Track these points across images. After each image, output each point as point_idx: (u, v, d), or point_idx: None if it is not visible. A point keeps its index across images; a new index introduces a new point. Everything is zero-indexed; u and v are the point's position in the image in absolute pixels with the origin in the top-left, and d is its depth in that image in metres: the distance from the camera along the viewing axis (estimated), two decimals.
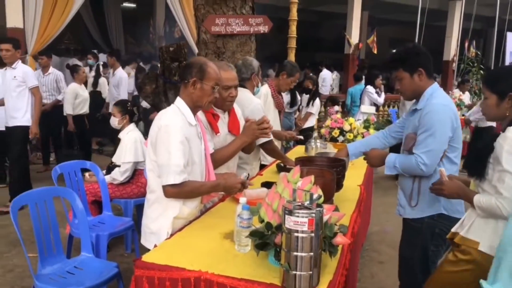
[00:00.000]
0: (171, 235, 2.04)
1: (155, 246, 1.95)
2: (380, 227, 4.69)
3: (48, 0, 7.21)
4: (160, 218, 2.16)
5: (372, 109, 7.02)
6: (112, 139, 6.55)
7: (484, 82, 2.07)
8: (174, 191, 2.08)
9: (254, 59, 3.39)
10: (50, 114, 6.32)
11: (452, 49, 12.70)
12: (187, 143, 2.10)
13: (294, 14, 7.07)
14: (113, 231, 3.14)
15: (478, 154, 1.96)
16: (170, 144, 2.04)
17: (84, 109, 6.54)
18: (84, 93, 6.59)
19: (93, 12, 13.14)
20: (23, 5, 7.08)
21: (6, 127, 4.98)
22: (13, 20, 7.11)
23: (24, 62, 7.03)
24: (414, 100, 2.48)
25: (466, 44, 12.32)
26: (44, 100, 6.24)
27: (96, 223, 3.31)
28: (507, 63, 10.15)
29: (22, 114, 4.86)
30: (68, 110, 6.35)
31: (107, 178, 3.64)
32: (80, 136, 6.64)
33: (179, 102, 2.19)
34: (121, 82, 6.99)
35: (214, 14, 4.01)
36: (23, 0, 7.06)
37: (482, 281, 1.61)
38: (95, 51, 9.22)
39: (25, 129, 4.89)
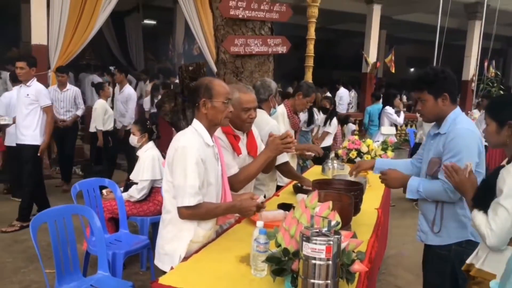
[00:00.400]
0: (186, 258, 2.03)
1: (172, 268, 1.95)
2: (397, 251, 4.61)
3: (72, 17, 7.40)
4: (174, 240, 2.16)
5: (393, 130, 6.96)
6: (128, 155, 6.63)
7: (486, 109, 2.09)
8: (188, 213, 2.09)
9: (272, 81, 3.42)
10: (66, 130, 6.42)
11: (471, 69, 12.60)
12: (204, 164, 2.10)
13: (312, 33, 7.12)
14: (129, 250, 3.16)
15: (489, 189, 1.93)
16: (186, 165, 2.05)
17: (111, 125, 6.63)
18: (109, 109, 6.70)
19: (114, 28, 13.45)
20: (47, 23, 7.28)
21: (17, 144, 4.97)
22: (38, 37, 7.32)
23: (46, 78, 7.25)
24: (433, 123, 2.46)
25: (486, 64, 12.21)
26: (61, 116, 6.34)
27: (113, 240, 3.33)
28: None
29: (31, 133, 4.85)
30: (99, 126, 6.41)
31: (124, 195, 3.67)
32: (106, 152, 6.69)
33: (196, 123, 2.22)
34: (130, 99, 6.91)
35: (233, 34, 4.07)
36: (48, 18, 7.27)
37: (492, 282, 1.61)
38: (112, 68, 9.36)
39: (35, 148, 4.85)
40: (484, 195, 1.92)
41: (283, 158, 3.04)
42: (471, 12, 12.48)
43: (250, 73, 4.18)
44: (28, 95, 4.81)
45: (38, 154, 4.89)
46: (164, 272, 2.06)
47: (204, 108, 2.17)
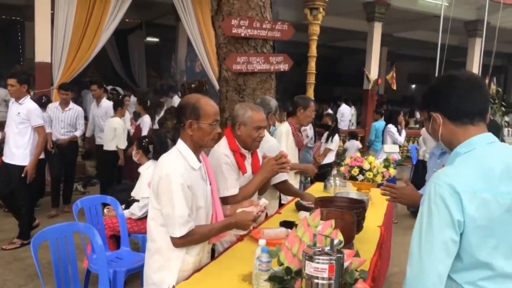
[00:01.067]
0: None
1: (173, 287, 1.94)
2: (400, 268, 4.56)
3: (76, 35, 7.49)
4: (162, 269, 2.08)
5: (396, 148, 6.94)
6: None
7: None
8: (182, 242, 2.02)
9: (272, 99, 3.44)
10: (65, 152, 6.02)
11: None
12: (191, 189, 2.01)
13: (313, 50, 7.19)
14: (131, 268, 3.14)
15: None
16: (173, 195, 1.96)
17: (126, 143, 6.46)
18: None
19: (117, 46, 13.60)
20: (51, 40, 7.36)
21: (5, 162, 4.74)
22: (42, 54, 7.39)
23: (50, 95, 7.29)
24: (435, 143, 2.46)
25: (487, 81, 12.25)
26: (61, 136, 6.03)
27: (114, 258, 3.31)
28: None
29: (21, 152, 4.67)
30: (121, 145, 6.20)
31: (126, 213, 3.66)
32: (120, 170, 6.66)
33: (180, 145, 2.09)
34: (108, 112, 6.69)
35: (235, 52, 4.10)
36: (51, 36, 7.35)
37: None
38: (110, 87, 9.37)
39: (22, 169, 4.66)
40: None
41: (281, 176, 3.03)
42: (471, 30, 12.59)
43: (252, 91, 4.20)
44: (19, 113, 4.65)
45: (23, 175, 4.63)
46: None
47: (190, 130, 2.05)
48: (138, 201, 3.76)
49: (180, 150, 2.08)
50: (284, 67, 4.35)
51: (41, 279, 2.38)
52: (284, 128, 3.68)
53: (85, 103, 10.79)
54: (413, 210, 6.55)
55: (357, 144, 8.01)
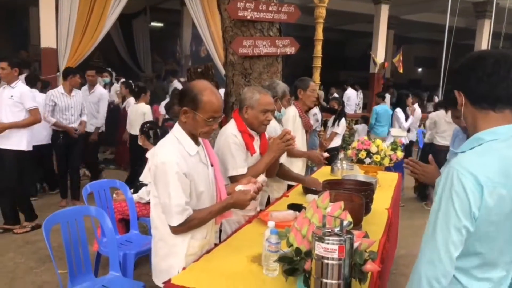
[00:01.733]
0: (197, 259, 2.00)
1: (183, 269, 1.96)
2: (407, 250, 4.59)
3: (80, 21, 7.47)
4: (169, 256, 2.08)
5: (403, 132, 6.83)
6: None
7: None
8: (181, 229, 2.01)
9: (281, 83, 3.42)
10: (76, 139, 5.67)
11: None
12: (188, 177, 1.99)
13: (319, 34, 7.11)
14: (140, 250, 3.17)
15: None
16: (169, 184, 1.94)
17: None
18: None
19: (122, 31, 13.54)
20: (56, 26, 7.35)
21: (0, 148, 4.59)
22: (47, 40, 7.40)
23: (56, 81, 7.31)
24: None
25: None
26: (73, 124, 5.64)
27: (124, 241, 3.35)
28: None
29: (15, 136, 4.56)
30: None
31: (135, 197, 3.69)
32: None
33: (177, 129, 2.06)
34: (101, 99, 6.65)
35: (241, 36, 4.08)
36: (56, 21, 7.33)
37: None
38: (109, 69, 9.28)
39: (17, 154, 4.56)
40: None
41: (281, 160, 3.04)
42: (480, 11, 12.40)
43: (258, 75, 4.19)
44: (12, 96, 4.56)
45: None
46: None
47: (184, 117, 2.03)
48: (146, 185, 3.78)
49: (176, 136, 2.05)
50: (290, 50, 4.32)
51: (54, 262, 2.42)
52: (291, 111, 3.67)
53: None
54: (420, 194, 6.54)
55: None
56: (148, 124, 4.09)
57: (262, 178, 2.40)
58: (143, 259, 3.72)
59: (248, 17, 4.01)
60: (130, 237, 3.44)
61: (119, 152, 7.90)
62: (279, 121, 3.43)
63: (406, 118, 6.84)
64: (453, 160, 1.40)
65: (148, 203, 3.74)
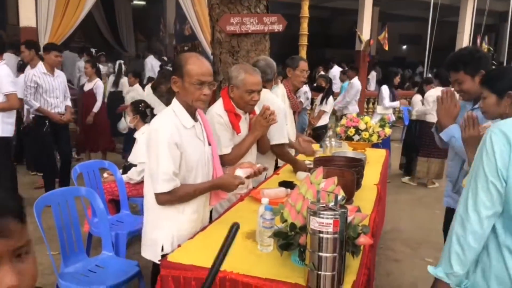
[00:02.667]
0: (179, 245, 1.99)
1: (178, 246, 1.97)
2: (393, 225, 4.69)
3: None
4: (155, 228, 2.09)
5: (389, 110, 6.68)
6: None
7: (483, 83, 2.11)
8: (165, 199, 2.02)
9: (272, 61, 3.35)
10: (60, 127, 5.11)
11: (464, 45, 12.59)
12: (179, 148, 2.00)
13: (305, 11, 7.05)
14: (132, 230, 3.18)
15: None
16: (158, 150, 1.96)
17: None
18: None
19: (103, 10, 13.24)
20: (36, 5, 7.15)
21: None
22: (26, 19, 7.19)
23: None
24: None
25: (478, 40, 12.21)
26: (58, 108, 5.05)
27: (115, 222, 3.35)
28: None
29: None
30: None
31: (124, 177, 3.67)
32: None
33: (174, 103, 2.09)
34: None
35: (228, 13, 4.02)
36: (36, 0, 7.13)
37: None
38: (93, 50, 8.84)
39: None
40: None
41: (279, 139, 3.02)
42: None
43: (246, 52, 4.15)
44: None
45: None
46: (152, 262, 2.09)
47: (175, 86, 2.05)
48: (135, 165, 3.77)
49: (174, 109, 2.08)
50: (278, 27, 4.28)
51: (47, 244, 2.41)
52: (280, 91, 3.60)
53: (65, 68, 10.48)
54: (405, 170, 6.63)
55: None
56: (143, 103, 4.01)
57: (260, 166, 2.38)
58: (133, 239, 3.73)
59: None
60: (121, 217, 3.44)
61: (80, 139, 7.07)
62: None
63: (393, 97, 6.68)
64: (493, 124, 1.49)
65: (137, 183, 3.75)
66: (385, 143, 5.18)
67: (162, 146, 1.96)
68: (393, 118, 6.78)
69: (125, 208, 3.48)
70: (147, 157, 2.06)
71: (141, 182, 3.76)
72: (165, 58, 10.69)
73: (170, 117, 2.04)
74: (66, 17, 7.43)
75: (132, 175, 3.73)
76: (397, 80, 7.13)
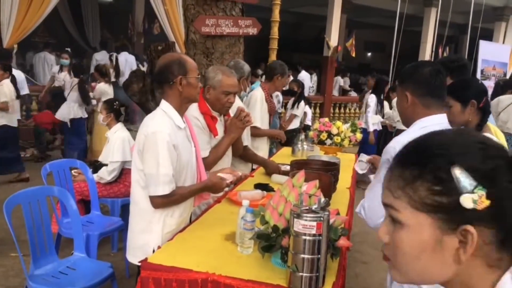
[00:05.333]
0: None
1: (158, 247, 1.96)
2: (361, 228, 4.79)
3: None
4: (145, 232, 2.08)
5: (378, 118, 6.31)
6: None
7: (449, 92, 2.21)
8: (163, 202, 2.02)
9: (246, 64, 3.38)
10: None
11: (427, 55, 13.05)
12: (176, 149, 2.02)
13: (276, 15, 7.11)
14: (104, 231, 3.12)
15: None
16: (158, 153, 1.96)
17: None
18: None
19: (69, 5, 12.87)
20: None
21: None
22: None
23: None
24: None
25: (440, 50, 12.68)
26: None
27: (85, 222, 3.27)
28: (478, 70, 10.49)
29: None
30: None
31: (94, 177, 3.60)
32: None
33: (165, 105, 2.09)
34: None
35: (204, 14, 4.02)
36: None
37: None
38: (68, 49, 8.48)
39: None
40: None
41: (246, 141, 3.07)
42: None
43: (220, 54, 4.16)
44: None
45: None
46: (137, 265, 2.03)
47: (181, 86, 2.06)
48: (106, 165, 3.70)
49: (165, 110, 2.08)
50: (253, 31, 4.32)
51: (17, 245, 2.33)
52: (259, 93, 3.63)
53: (37, 69, 10.13)
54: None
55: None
56: (117, 102, 3.93)
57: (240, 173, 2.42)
58: (103, 240, 3.66)
59: None
60: (92, 218, 3.37)
61: None
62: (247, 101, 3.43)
63: (381, 107, 6.30)
64: None
65: (108, 183, 3.68)
66: (373, 149, 5.34)
67: (162, 148, 1.96)
68: (379, 127, 6.54)
69: (96, 208, 3.42)
70: (140, 161, 2.03)
71: (112, 182, 3.71)
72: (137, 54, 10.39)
73: (165, 118, 2.05)
74: (31, 10, 7.22)
75: (103, 174, 3.66)
76: (386, 89, 6.83)
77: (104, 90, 6.06)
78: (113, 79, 7.42)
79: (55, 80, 7.10)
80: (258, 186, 2.81)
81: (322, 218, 1.55)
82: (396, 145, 1.68)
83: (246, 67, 3.35)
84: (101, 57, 9.42)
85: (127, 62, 9.25)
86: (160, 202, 2.03)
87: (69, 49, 7.60)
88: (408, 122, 1.80)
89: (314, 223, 1.55)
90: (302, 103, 6.18)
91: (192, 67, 2.10)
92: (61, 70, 7.09)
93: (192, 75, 2.09)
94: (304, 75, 11.65)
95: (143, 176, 2.03)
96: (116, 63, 8.00)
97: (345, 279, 2.68)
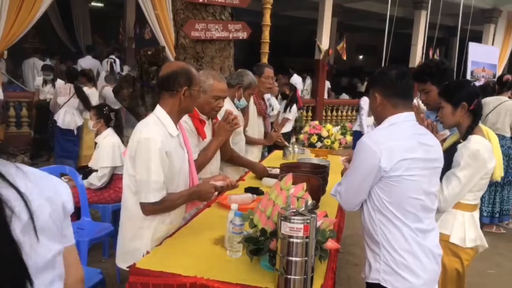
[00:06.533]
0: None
1: (147, 252, 1.96)
2: (353, 231, 4.80)
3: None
4: (135, 238, 2.09)
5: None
6: None
7: (441, 94, 2.28)
8: (153, 209, 2.02)
9: (251, 75, 3.34)
10: None
11: (417, 57, 13.14)
12: (168, 157, 2.03)
13: (267, 19, 7.12)
14: (94, 237, 3.11)
15: (445, 161, 2.14)
16: (150, 159, 1.96)
17: None
18: None
19: (59, 10, 12.83)
20: None
21: None
22: None
23: None
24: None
25: (431, 52, 12.77)
26: None
27: (75, 229, 3.24)
28: (468, 71, 10.58)
29: None
30: None
31: (84, 183, 3.58)
32: None
33: (160, 112, 2.09)
34: None
35: (193, 19, 4.03)
36: None
37: None
38: (48, 61, 8.20)
39: None
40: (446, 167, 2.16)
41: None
42: (417, 2, 12.96)
43: (211, 59, 4.17)
44: None
45: None
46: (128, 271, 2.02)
47: (184, 96, 2.07)
48: (96, 171, 3.68)
49: (159, 117, 2.08)
50: (242, 35, 4.33)
51: None
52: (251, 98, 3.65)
53: (26, 75, 10.08)
54: None
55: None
56: (107, 107, 3.91)
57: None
58: (94, 247, 3.64)
59: (200, 0, 3.97)
60: (82, 224, 3.34)
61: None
62: (242, 110, 3.39)
63: None
64: None
65: (98, 189, 3.67)
66: None
67: (154, 155, 1.96)
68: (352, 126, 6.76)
69: (86, 215, 3.39)
70: (131, 167, 2.03)
71: (102, 188, 3.69)
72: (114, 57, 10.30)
73: (158, 126, 2.05)
74: (20, 16, 7.17)
75: (93, 180, 3.64)
76: None
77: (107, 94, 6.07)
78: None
79: (40, 93, 7.03)
80: (248, 189, 2.82)
81: (309, 221, 1.56)
82: (367, 139, 1.81)
83: (247, 78, 3.27)
84: (86, 62, 9.37)
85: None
86: (151, 209, 2.03)
87: (48, 60, 7.45)
88: (379, 120, 1.93)
89: (301, 226, 1.55)
90: (294, 106, 6.19)
91: (197, 80, 2.14)
92: (45, 83, 7.00)
93: (196, 87, 2.12)
94: (295, 79, 11.68)
95: (135, 182, 2.03)
96: (111, 68, 7.98)
97: (335, 281, 2.68)
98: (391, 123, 1.82)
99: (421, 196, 1.79)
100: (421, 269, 1.81)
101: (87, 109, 6.05)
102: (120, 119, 3.95)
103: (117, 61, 9.35)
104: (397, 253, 1.80)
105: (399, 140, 1.76)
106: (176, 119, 2.15)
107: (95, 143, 3.89)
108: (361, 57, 23.13)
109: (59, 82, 6.69)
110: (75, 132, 6.09)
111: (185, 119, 2.58)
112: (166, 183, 2.05)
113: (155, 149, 1.96)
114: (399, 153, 1.73)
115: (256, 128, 3.74)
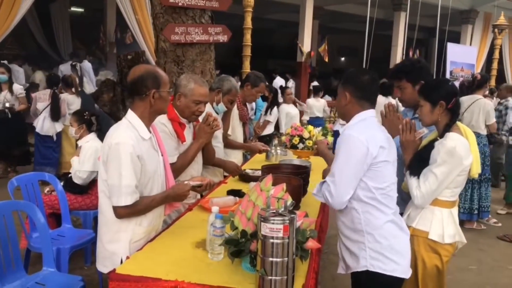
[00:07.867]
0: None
1: (127, 257, 1.94)
2: (337, 231, 4.82)
3: None
4: (112, 242, 2.07)
5: None
6: None
7: (421, 92, 2.34)
8: (126, 212, 2.01)
9: (233, 81, 3.31)
10: None
11: (398, 58, 13.30)
12: (140, 160, 2.01)
13: (248, 22, 7.15)
14: (75, 244, 3.06)
15: (422, 160, 2.25)
16: (121, 164, 1.96)
17: None
18: None
19: (38, 15, 12.66)
20: None
21: None
22: None
23: None
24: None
25: (411, 53, 12.94)
26: None
27: (56, 236, 3.20)
28: (448, 71, 10.74)
29: None
30: None
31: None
32: None
33: (131, 115, 2.08)
34: None
35: (173, 22, 4.01)
36: None
37: None
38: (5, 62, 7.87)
39: None
40: (418, 165, 2.25)
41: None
42: (397, 4, 13.15)
43: (191, 62, 4.15)
44: None
45: None
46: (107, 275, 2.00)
47: (153, 99, 2.06)
48: None
49: (130, 121, 2.07)
50: (223, 38, 4.33)
51: None
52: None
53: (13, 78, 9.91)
54: None
55: None
56: (87, 112, 3.86)
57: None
58: (76, 254, 3.59)
59: (180, 4, 3.95)
60: (63, 231, 3.30)
61: None
62: (224, 115, 3.39)
63: None
64: None
65: (80, 195, 3.63)
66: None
67: (125, 159, 1.95)
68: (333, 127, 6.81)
69: (66, 221, 3.35)
70: (104, 172, 2.01)
71: (83, 194, 3.65)
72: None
73: (129, 129, 2.03)
74: None
75: (76, 179, 3.60)
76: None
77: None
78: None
79: None
80: (230, 192, 2.81)
81: (288, 221, 1.56)
82: (351, 132, 1.96)
83: (228, 84, 3.24)
84: (67, 68, 9.29)
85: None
86: (123, 212, 2.02)
87: (5, 62, 7.07)
88: (345, 116, 2.13)
89: (281, 226, 1.56)
90: (275, 109, 6.21)
91: (165, 81, 2.12)
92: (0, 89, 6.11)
93: (164, 88, 2.10)
94: (279, 81, 11.73)
95: (107, 186, 2.02)
96: (80, 72, 7.88)
97: (317, 281, 2.70)
98: (362, 118, 2.03)
99: (395, 182, 2.02)
100: (406, 250, 2.01)
101: (52, 118, 5.93)
102: (101, 123, 3.91)
103: (85, 65, 9.23)
104: (382, 236, 1.95)
105: (373, 130, 1.98)
106: (148, 122, 2.13)
107: (77, 145, 3.83)
108: (343, 59, 23.33)
109: (16, 87, 6.28)
110: (55, 138, 5.99)
111: (164, 122, 2.57)
112: (140, 187, 2.04)
113: (126, 154, 1.96)
114: (379, 140, 1.94)
115: (239, 133, 3.74)
